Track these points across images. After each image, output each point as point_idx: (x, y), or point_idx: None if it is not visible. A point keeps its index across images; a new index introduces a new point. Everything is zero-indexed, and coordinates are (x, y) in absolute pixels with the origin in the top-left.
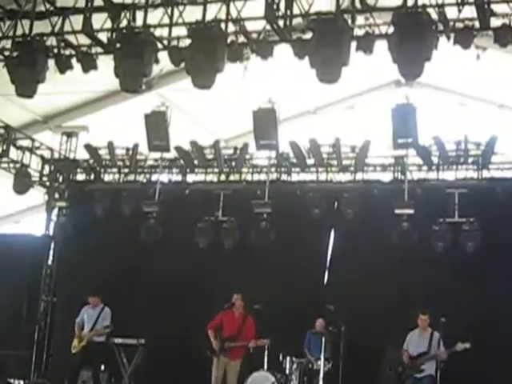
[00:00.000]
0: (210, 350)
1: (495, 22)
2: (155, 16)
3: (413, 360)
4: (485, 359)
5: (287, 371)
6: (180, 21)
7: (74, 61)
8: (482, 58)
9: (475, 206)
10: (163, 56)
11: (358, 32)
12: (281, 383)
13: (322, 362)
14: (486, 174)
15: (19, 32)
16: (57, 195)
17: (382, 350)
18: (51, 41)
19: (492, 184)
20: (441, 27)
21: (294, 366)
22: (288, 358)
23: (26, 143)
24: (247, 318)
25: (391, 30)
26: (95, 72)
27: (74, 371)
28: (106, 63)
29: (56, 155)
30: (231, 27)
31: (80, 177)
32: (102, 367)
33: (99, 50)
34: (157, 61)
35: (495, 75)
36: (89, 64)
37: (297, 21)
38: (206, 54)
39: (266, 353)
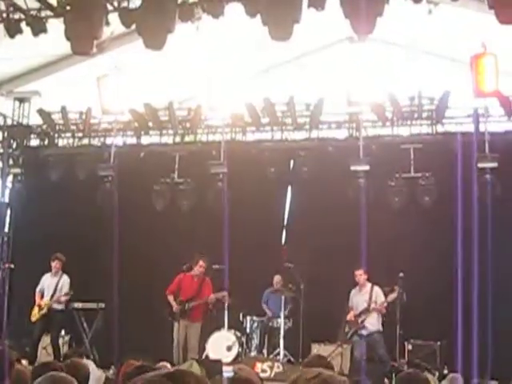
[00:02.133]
0: (171, 314)
1: None
2: None
3: (356, 317)
4: (447, 311)
5: (248, 330)
6: None
7: (23, 25)
8: (434, 13)
9: (430, 160)
10: (114, 18)
11: None
12: (242, 342)
13: (282, 320)
14: (440, 128)
15: None
16: (11, 161)
17: (341, 307)
18: None
19: (446, 138)
20: None
21: (255, 324)
22: (248, 318)
23: None
24: (205, 279)
25: None
26: (46, 36)
27: (35, 338)
28: (56, 27)
29: (9, 121)
30: None
31: (34, 142)
32: (63, 332)
33: (49, 13)
34: (107, 23)
35: (447, 30)
36: (39, 28)
37: None
38: (157, 14)
39: (226, 312)
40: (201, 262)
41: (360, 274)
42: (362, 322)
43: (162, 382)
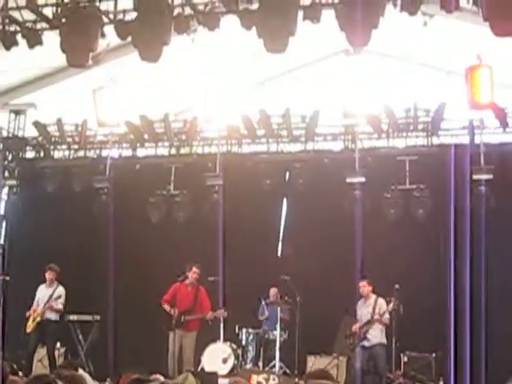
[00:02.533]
0: (166, 324)
1: None
2: None
3: (360, 329)
4: (442, 322)
5: (243, 342)
6: None
7: (19, 37)
8: (429, 25)
9: (426, 172)
10: (109, 30)
11: (305, 1)
12: (237, 354)
13: (277, 333)
14: (435, 140)
15: None
16: (7, 173)
17: (337, 319)
18: None
19: (442, 150)
20: None
21: (251, 337)
22: (244, 330)
23: None
24: (199, 289)
25: None
26: (42, 48)
27: (30, 350)
28: (52, 39)
29: (4, 133)
30: None
31: (29, 154)
32: (58, 344)
33: (44, 25)
34: (103, 35)
35: (443, 42)
36: (34, 40)
37: None
38: (153, 26)
39: (222, 325)
40: (194, 269)
41: (364, 286)
42: (365, 333)
43: None
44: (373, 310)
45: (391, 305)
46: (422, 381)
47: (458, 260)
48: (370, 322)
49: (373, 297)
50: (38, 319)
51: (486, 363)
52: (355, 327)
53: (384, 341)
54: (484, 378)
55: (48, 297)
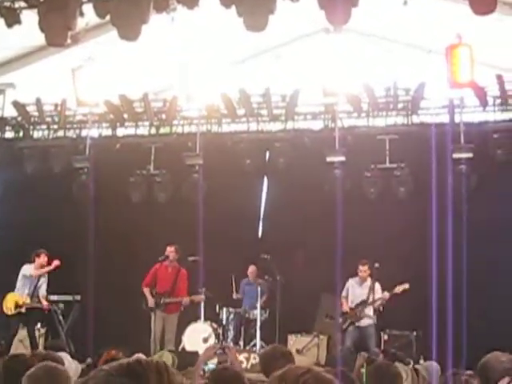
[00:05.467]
0: (147, 306)
1: None
2: None
3: (352, 309)
4: (423, 300)
5: (224, 322)
6: None
7: None
8: (410, 3)
9: (406, 151)
10: (88, 9)
11: None
12: (218, 334)
13: (258, 312)
14: (415, 119)
15: None
16: None
17: (318, 298)
18: None
19: (422, 129)
20: None
21: (231, 316)
22: (224, 309)
23: None
24: (180, 271)
25: None
26: (20, 27)
27: (12, 333)
28: (30, 18)
29: None
30: None
31: (9, 134)
32: (39, 325)
33: (23, 4)
34: (81, 14)
35: (423, 20)
36: (12, 19)
37: None
38: (131, 5)
39: (202, 304)
40: (168, 248)
41: (365, 271)
42: (361, 313)
43: (121, 374)
44: (369, 291)
45: (405, 285)
46: (403, 359)
47: (440, 239)
48: (365, 303)
49: (369, 279)
50: (23, 310)
51: (467, 341)
52: (345, 307)
53: (375, 321)
54: (465, 356)
55: (33, 286)
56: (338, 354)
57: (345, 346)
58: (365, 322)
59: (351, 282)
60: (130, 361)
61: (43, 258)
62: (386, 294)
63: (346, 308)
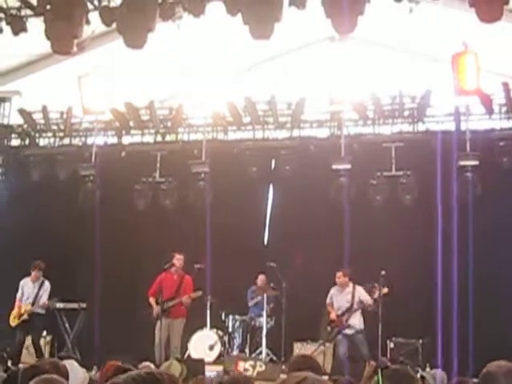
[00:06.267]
0: (152, 314)
1: None
2: None
3: (339, 317)
4: (429, 308)
5: (230, 329)
6: None
7: (3, 24)
8: (415, 12)
9: (412, 159)
10: (94, 17)
11: None
12: (224, 341)
13: (264, 319)
14: (421, 127)
15: None
16: None
17: (323, 306)
18: None
19: (428, 137)
20: None
21: (237, 323)
22: (231, 317)
23: None
24: (185, 277)
25: None
26: (27, 35)
27: (18, 343)
28: (36, 26)
29: None
30: None
31: (15, 142)
32: (44, 333)
33: (29, 12)
34: (88, 22)
35: (428, 28)
36: (19, 27)
37: None
38: (137, 13)
39: (208, 311)
40: (177, 255)
41: (339, 277)
42: (347, 321)
43: None
44: (352, 297)
45: (384, 290)
46: (411, 367)
47: (445, 246)
48: (350, 310)
49: (350, 285)
50: (25, 317)
51: (473, 349)
52: (332, 315)
53: (362, 327)
54: (472, 364)
55: (35, 294)
56: (333, 364)
57: (338, 355)
58: (351, 330)
59: (333, 291)
60: (144, 373)
61: (36, 272)
62: (369, 300)
63: (333, 316)
